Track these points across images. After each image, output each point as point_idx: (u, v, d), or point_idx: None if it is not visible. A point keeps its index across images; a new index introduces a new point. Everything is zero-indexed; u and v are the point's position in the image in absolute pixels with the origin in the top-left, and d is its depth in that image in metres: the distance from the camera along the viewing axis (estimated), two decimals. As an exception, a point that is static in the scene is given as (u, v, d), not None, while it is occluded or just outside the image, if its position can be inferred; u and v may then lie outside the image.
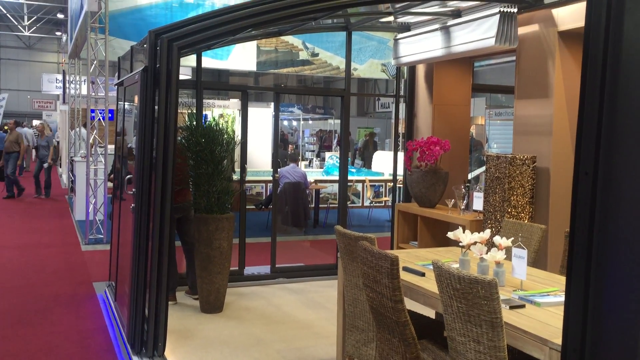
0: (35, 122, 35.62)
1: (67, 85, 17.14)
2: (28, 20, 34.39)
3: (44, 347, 4.62)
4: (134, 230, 4.46)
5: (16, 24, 34.08)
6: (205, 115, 16.57)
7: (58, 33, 38.34)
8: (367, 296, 3.23)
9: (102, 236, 8.77)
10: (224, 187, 5.36)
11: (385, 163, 13.56)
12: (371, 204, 11.71)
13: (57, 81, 29.84)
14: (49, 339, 4.79)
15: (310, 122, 22.73)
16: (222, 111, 17.64)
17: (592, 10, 1.19)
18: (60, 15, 33.51)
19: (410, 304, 3.32)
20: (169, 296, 5.17)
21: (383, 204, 11.91)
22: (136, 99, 4.94)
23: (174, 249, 5.67)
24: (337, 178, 6.94)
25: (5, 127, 21.01)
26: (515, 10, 5.00)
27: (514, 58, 5.37)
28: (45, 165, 13.42)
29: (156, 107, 4.34)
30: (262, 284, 6.37)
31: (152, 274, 4.25)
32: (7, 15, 32.69)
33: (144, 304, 4.34)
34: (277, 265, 6.56)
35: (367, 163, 17.47)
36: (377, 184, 12.30)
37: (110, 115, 9.44)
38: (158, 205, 4.25)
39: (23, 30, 34.98)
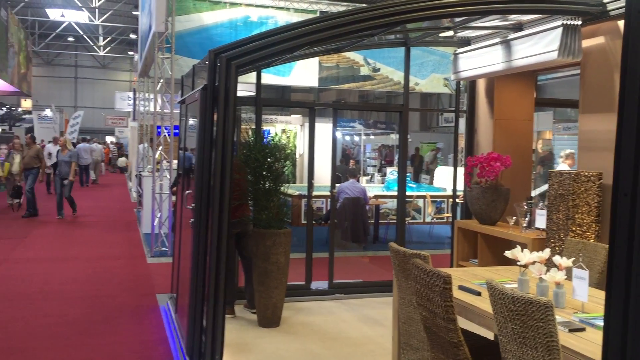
0: (110, 139, 37.22)
1: (137, 102, 17.82)
2: (103, 41, 36.08)
3: (108, 356, 4.78)
4: (193, 244, 4.58)
5: (92, 44, 35.83)
6: (268, 131, 16.89)
7: (130, 53, 40.07)
8: (421, 315, 3.18)
9: (166, 249, 9.03)
10: (281, 203, 5.42)
11: (447, 179, 13.38)
12: (432, 220, 11.55)
13: (129, 99, 31.15)
14: (112, 348, 4.96)
15: (372, 137, 22.70)
16: (284, 127, 17.91)
17: (630, 23, 1.15)
18: (132, 36, 35.05)
19: (467, 324, 3.24)
20: (227, 309, 5.26)
21: (445, 220, 11.72)
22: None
23: (232, 263, 5.79)
24: (395, 193, 6.91)
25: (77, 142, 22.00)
26: (580, 22, 4.85)
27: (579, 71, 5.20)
28: (66, 182, 12.47)
29: (214, 124, 4.46)
30: (320, 299, 6.37)
31: (209, 287, 4.34)
32: (84, 36, 34.42)
33: (202, 317, 4.43)
34: (335, 281, 6.56)
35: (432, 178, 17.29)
36: (438, 199, 12.13)
37: (175, 131, 9.75)
38: (216, 220, 4.35)
39: (98, 51, 36.75)
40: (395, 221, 7.04)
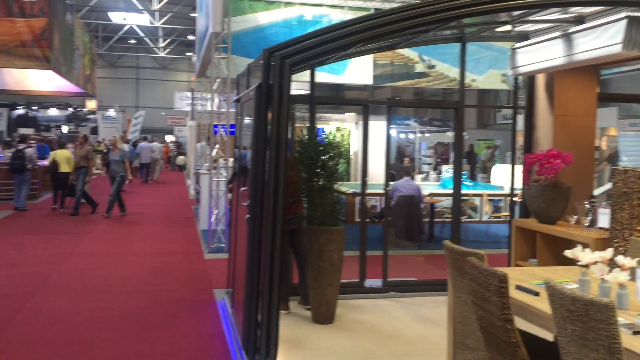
0: (170, 138, 38.20)
1: (195, 102, 18.21)
2: (163, 43, 37.07)
3: (167, 349, 4.92)
4: (247, 240, 4.65)
5: (152, 46, 36.86)
6: (322, 129, 16.90)
7: (189, 53, 40.99)
8: (476, 314, 3.13)
9: (223, 245, 9.20)
10: (335, 200, 5.44)
11: (505, 177, 13.07)
12: (489, 219, 11.31)
13: (187, 98, 31.90)
14: (172, 341, 5.10)
15: (427, 134, 22.42)
16: (338, 125, 17.92)
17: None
18: (191, 37, 35.86)
19: (525, 325, 3.17)
20: (282, 305, 5.32)
21: (502, 219, 11.46)
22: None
23: (286, 259, 5.85)
24: (450, 191, 6.80)
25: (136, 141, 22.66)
26: (646, 13, 4.65)
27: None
28: (118, 178, 12.49)
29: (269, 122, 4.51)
30: (373, 297, 6.35)
31: (264, 283, 4.40)
32: (145, 38, 35.46)
33: (257, 312, 4.50)
34: (389, 279, 6.52)
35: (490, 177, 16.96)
36: (496, 198, 11.87)
37: (231, 130, 9.91)
38: (270, 216, 4.41)
39: (158, 52, 37.77)
40: (450, 220, 6.93)
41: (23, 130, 29.40)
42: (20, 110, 34.75)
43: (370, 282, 6.52)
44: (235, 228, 5.85)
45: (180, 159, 30.82)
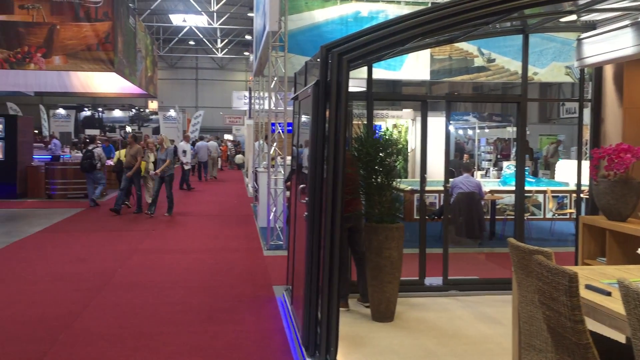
0: (228, 137, 38.84)
1: (253, 101, 18.43)
2: (221, 43, 37.74)
3: (228, 344, 4.99)
4: (307, 237, 4.66)
5: (211, 47, 37.59)
6: (379, 126, 16.79)
7: (246, 53, 41.61)
8: (543, 314, 3.02)
9: (281, 242, 9.28)
10: (394, 197, 5.38)
11: (570, 173, 12.62)
12: (554, 216, 10.95)
13: (245, 98, 32.37)
14: (232, 336, 5.17)
15: (486, 130, 21.93)
16: (395, 121, 17.77)
17: None
18: (248, 37, 36.38)
19: (594, 326, 3.04)
20: (341, 303, 5.31)
21: (568, 217, 11.07)
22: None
23: (345, 256, 5.83)
24: (514, 188, 6.60)
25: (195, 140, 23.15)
26: None
27: None
28: (167, 177, 12.50)
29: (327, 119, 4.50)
30: (434, 295, 6.26)
31: (323, 280, 4.40)
32: (204, 39, 36.20)
33: (317, 309, 4.51)
34: (449, 277, 6.41)
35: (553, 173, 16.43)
36: (560, 194, 11.47)
37: (288, 128, 9.98)
38: (329, 214, 4.40)
39: (217, 53, 38.48)
40: (512, 217, 6.74)
41: (89, 132, 30.61)
42: (86, 112, 36.21)
43: (430, 280, 6.43)
44: (293, 225, 5.88)
45: (239, 158, 31.33)
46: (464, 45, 14.02)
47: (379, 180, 5.41)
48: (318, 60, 4.97)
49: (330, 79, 4.49)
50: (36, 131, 24.08)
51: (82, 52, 13.22)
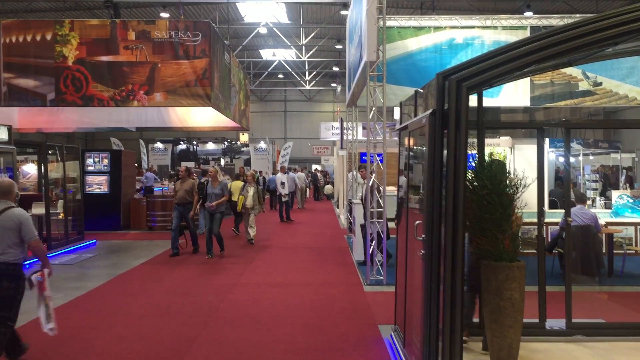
0: (316, 167, 39.12)
1: (345, 131, 18.37)
2: (309, 76, 38.33)
3: (339, 388, 4.73)
4: (424, 277, 4.36)
5: (299, 79, 38.26)
6: (473, 154, 16.19)
7: (333, 85, 42.01)
8: None
9: (382, 277, 8.96)
10: (515, 233, 4.98)
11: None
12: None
13: (333, 128, 32.51)
14: (342, 380, 4.91)
15: (590, 157, 20.70)
16: (491, 149, 17.10)
17: None
18: (335, 69, 36.71)
19: None
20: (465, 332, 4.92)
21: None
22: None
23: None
24: (632, 220, 6.00)
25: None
26: None
27: None
28: (217, 216, 11.52)
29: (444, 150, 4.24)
30: (556, 340, 5.72)
31: (444, 324, 4.07)
32: (292, 72, 36.92)
33: (437, 353, 4.17)
34: (573, 320, 5.85)
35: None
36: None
37: (379, 158, 9.70)
38: (449, 251, 4.09)
39: (305, 85, 39.08)
40: (632, 252, 6.11)
41: (185, 164, 31.72)
42: (182, 146, 37.71)
43: (551, 323, 5.89)
44: (403, 262, 5.57)
45: (328, 188, 31.33)
46: (567, 70, 13.32)
47: (496, 214, 5.02)
48: (420, 90, 4.71)
49: (449, 107, 4.24)
50: (136, 164, 25.18)
51: (181, 88, 13.68)
